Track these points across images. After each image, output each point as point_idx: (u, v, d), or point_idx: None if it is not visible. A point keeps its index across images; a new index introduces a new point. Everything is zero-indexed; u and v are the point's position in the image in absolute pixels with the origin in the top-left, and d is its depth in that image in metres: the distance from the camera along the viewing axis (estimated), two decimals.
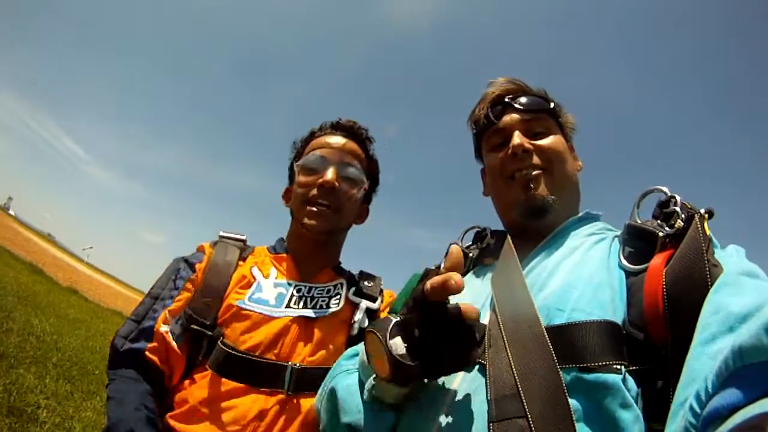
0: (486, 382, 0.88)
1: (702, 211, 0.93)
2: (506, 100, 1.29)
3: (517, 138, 1.23)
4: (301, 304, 1.50)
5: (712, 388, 0.58)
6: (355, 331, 1.48)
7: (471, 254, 1.33)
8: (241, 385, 1.33)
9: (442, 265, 0.92)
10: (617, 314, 0.88)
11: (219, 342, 1.38)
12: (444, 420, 0.89)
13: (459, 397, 0.91)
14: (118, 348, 1.45)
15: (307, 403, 1.34)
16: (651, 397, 0.79)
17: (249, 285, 1.52)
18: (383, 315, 1.55)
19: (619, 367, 0.81)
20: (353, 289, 1.59)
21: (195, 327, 1.40)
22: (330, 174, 1.55)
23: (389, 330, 0.84)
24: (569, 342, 0.85)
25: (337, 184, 1.56)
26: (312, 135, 1.75)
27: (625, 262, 0.99)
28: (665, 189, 1.03)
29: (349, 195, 1.61)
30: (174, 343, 1.42)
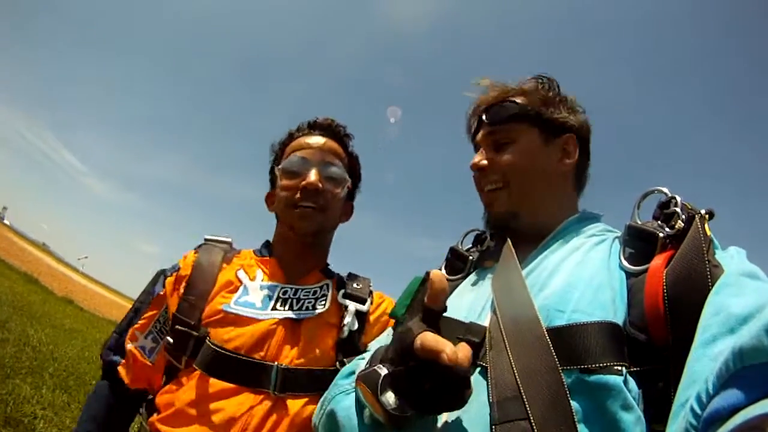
0: (487, 385, 0.88)
1: (702, 211, 0.93)
2: (480, 114, 1.31)
3: (476, 157, 1.27)
4: (287, 306, 1.49)
5: (713, 389, 0.58)
6: (344, 335, 1.46)
7: (471, 257, 1.33)
8: (228, 386, 1.32)
9: (426, 295, 0.93)
10: (618, 315, 0.88)
11: (206, 341, 1.38)
12: (446, 423, 0.89)
13: None
14: (103, 358, 1.58)
15: (294, 405, 1.33)
16: (652, 398, 0.79)
17: (235, 289, 1.51)
18: (373, 317, 1.57)
19: (620, 368, 0.80)
20: (342, 291, 1.58)
21: (180, 327, 1.41)
22: (313, 175, 1.53)
23: (380, 384, 0.84)
24: (570, 343, 0.85)
25: (320, 185, 1.54)
26: (291, 137, 1.72)
27: (625, 263, 0.99)
28: (665, 190, 1.03)
29: (333, 194, 1.59)
30: (145, 359, 1.50)
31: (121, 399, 1.54)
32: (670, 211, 0.98)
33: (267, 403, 1.31)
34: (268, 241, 1.73)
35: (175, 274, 1.58)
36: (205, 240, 1.69)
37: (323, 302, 1.52)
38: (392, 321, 1.37)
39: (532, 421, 0.78)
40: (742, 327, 0.65)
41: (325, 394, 1.16)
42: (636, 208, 1.07)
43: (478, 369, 0.94)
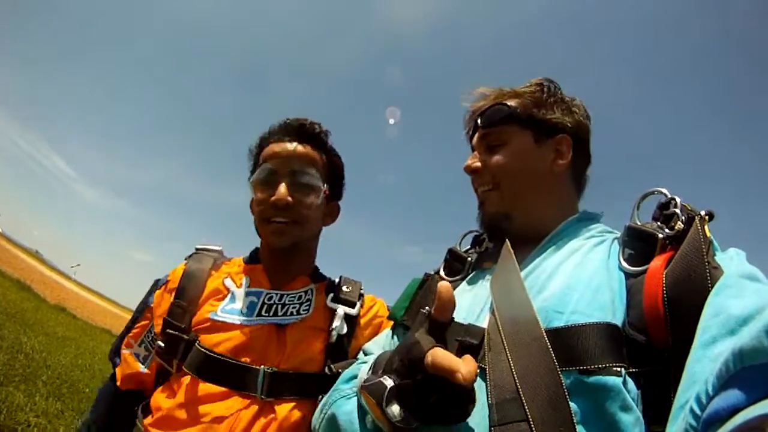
0: (486, 387, 0.88)
1: (702, 213, 0.93)
2: (474, 118, 1.33)
3: (469, 159, 1.29)
4: (272, 312, 1.48)
5: (713, 389, 0.58)
6: (333, 339, 1.46)
7: (469, 258, 1.33)
8: (217, 390, 1.33)
9: (433, 307, 0.94)
10: (617, 316, 0.88)
11: (196, 344, 1.40)
12: (447, 426, 0.88)
13: None
14: (110, 360, 1.65)
15: (282, 409, 1.33)
16: (651, 399, 0.79)
17: (222, 297, 1.51)
18: (364, 320, 1.57)
19: (619, 369, 0.80)
20: (331, 295, 1.57)
21: (170, 331, 1.43)
22: (281, 189, 1.49)
23: (385, 396, 0.84)
24: (569, 344, 0.85)
25: (290, 199, 1.49)
26: (262, 142, 1.66)
27: (624, 263, 0.98)
28: (665, 191, 1.03)
29: (306, 204, 1.53)
30: (139, 365, 1.54)
31: (120, 396, 1.58)
32: (669, 212, 0.98)
33: (254, 407, 1.31)
34: (257, 248, 1.71)
35: (164, 286, 1.60)
36: (196, 249, 1.70)
37: (307, 307, 1.52)
38: (390, 322, 1.37)
39: (531, 422, 0.78)
40: (742, 328, 0.64)
41: (325, 398, 1.16)
42: (635, 209, 1.07)
43: (477, 371, 0.91)
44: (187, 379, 1.37)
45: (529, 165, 1.24)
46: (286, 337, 1.44)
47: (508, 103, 1.27)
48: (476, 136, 1.31)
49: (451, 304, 0.91)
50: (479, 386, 0.90)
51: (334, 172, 1.67)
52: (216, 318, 1.44)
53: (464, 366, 0.76)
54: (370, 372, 0.97)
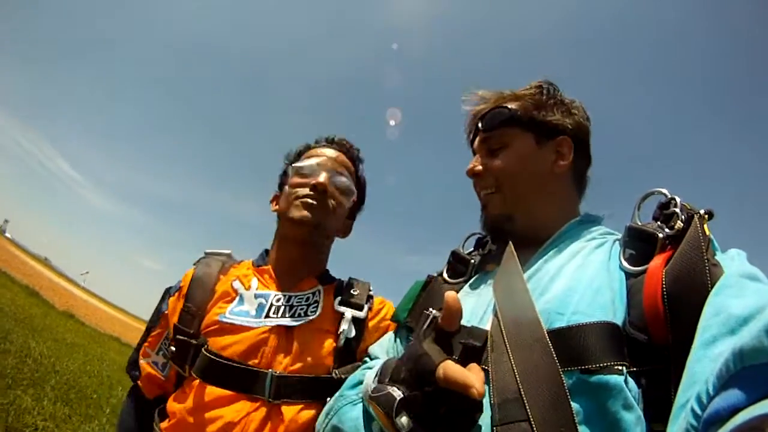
0: (489, 388, 0.88)
1: (702, 212, 0.94)
2: (475, 122, 1.34)
3: (471, 162, 1.30)
4: (280, 313, 1.50)
5: (713, 389, 0.58)
6: (341, 343, 1.47)
7: (473, 260, 1.34)
8: (225, 393, 1.35)
9: (440, 317, 0.94)
10: (617, 316, 0.89)
11: (203, 349, 1.42)
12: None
13: None
14: (128, 373, 1.66)
15: (289, 412, 1.34)
16: (652, 398, 0.80)
17: (231, 299, 1.54)
18: (372, 324, 1.57)
19: (620, 368, 0.81)
20: (339, 298, 1.59)
21: (180, 337, 1.46)
22: (323, 177, 1.60)
23: (395, 408, 0.84)
24: (570, 344, 0.86)
25: (328, 187, 1.60)
26: (308, 147, 1.80)
27: (625, 263, 1.00)
28: (665, 191, 1.04)
29: (338, 199, 1.65)
30: (158, 372, 1.58)
31: (144, 407, 1.59)
32: (669, 211, 0.99)
33: (263, 410, 1.33)
34: (266, 250, 1.76)
35: (177, 293, 1.62)
36: (205, 253, 1.75)
37: (315, 308, 1.54)
38: (394, 324, 1.38)
39: (533, 421, 0.78)
40: (742, 328, 0.65)
41: (330, 404, 1.17)
42: (636, 209, 1.08)
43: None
44: (197, 383, 1.39)
45: (531, 167, 1.25)
46: (293, 339, 1.45)
47: (509, 106, 1.28)
48: (477, 139, 1.32)
49: (458, 314, 0.91)
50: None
51: (358, 193, 1.78)
52: (224, 320, 1.46)
53: (479, 381, 0.77)
54: (376, 380, 0.97)
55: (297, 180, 1.64)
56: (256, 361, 1.39)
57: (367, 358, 1.34)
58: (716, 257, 0.86)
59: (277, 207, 1.74)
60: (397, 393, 0.85)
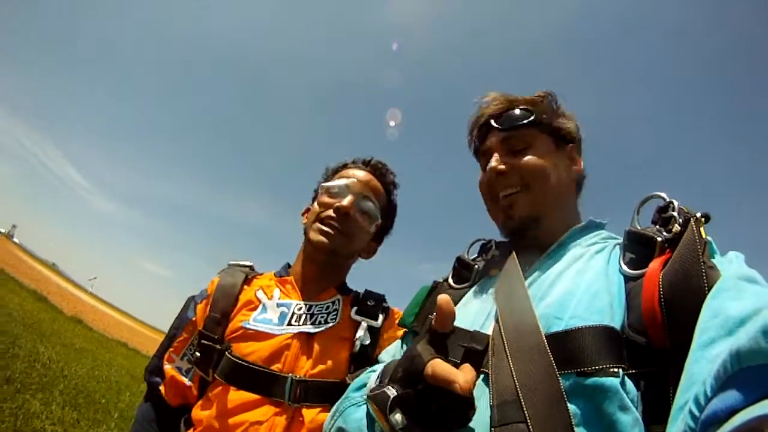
0: (489, 390, 0.90)
1: (698, 214, 0.94)
2: (489, 120, 1.32)
3: (493, 161, 1.26)
4: (302, 321, 1.56)
5: (711, 391, 0.58)
6: (356, 349, 1.52)
7: (477, 266, 1.34)
8: (249, 399, 1.39)
9: (433, 319, 0.94)
10: (615, 319, 0.89)
11: (227, 353, 1.47)
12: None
13: None
14: (146, 380, 1.68)
15: (309, 415, 1.38)
16: (651, 400, 0.80)
17: (255, 308, 1.59)
18: (387, 333, 1.60)
19: (616, 370, 0.81)
20: (355, 308, 1.64)
21: (205, 342, 1.51)
22: (347, 201, 1.63)
23: (389, 405, 0.86)
24: (567, 348, 0.87)
25: (351, 211, 1.63)
26: (344, 165, 1.84)
27: (625, 267, 1.00)
28: (663, 195, 1.04)
29: (360, 225, 1.68)
30: (182, 378, 1.60)
31: (164, 415, 1.62)
32: (667, 215, 0.99)
33: (284, 413, 1.37)
34: (288, 264, 1.82)
35: (204, 300, 1.67)
36: (229, 265, 1.82)
37: (334, 316, 1.60)
38: (401, 330, 1.40)
39: (530, 423, 0.80)
40: (739, 329, 0.64)
41: (336, 406, 1.18)
42: (635, 213, 1.08)
43: (482, 376, 0.95)
44: (220, 389, 1.44)
45: (554, 170, 1.26)
46: (314, 345, 1.51)
47: (530, 108, 1.29)
48: (494, 138, 1.30)
49: (450, 316, 0.91)
50: (482, 390, 0.92)
51: (387, 217, 1.83)
52: (248, 327, 1.52)
53: (462, 376, 0.78)
54: (377, 381, 0.99)
55: (324, 199, 1.69)
56: (279, 366, 1.44)
57: (376, 364, 1.35)
58: (713, 260, 0.86)
59: (305, 221, 1.79)
60: (392, 392, 0.87)
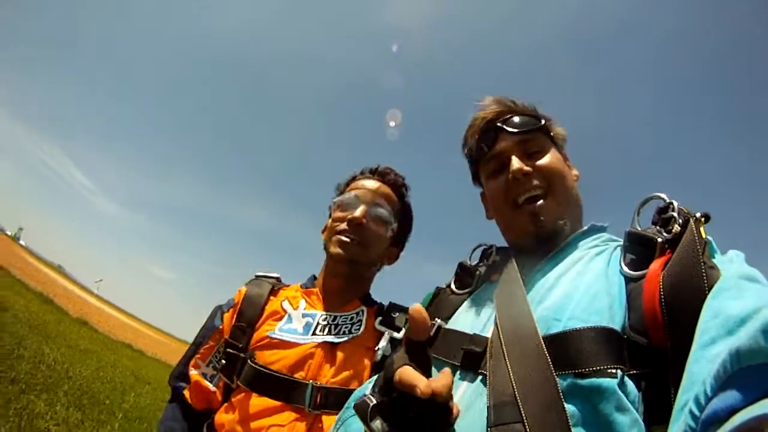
0: (486, 391, 0.91)
1: (698, 215, 0.94)
2: (498, 124, 1.30)
3: (516, 163, 1.23)
4: (326, 331, 1.60)
5: (711, 390, 0.58)
6: (377, 358, 1.52)
7: (478, 272, 1.35)
8: (270, 404, 1.43)
9: (408, 327, 0.95)
10: (615, 320, 0.89)
11: (249, 361, 1.52)
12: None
13: (461, 406, 0.92)
14: (171, 385, 1.73)
15: (329, 421, 1.40)
16: (652, 400, 0.80)
17: (280, 318, 1.64)
18: None
19: (614, 371, 0.81)
20: (380, 318, 1.62)
21: (230, 351, 1.58)
22: (358, 212, 1.68)
23: (368, 413, 0.86)
24: (565, 349, 0.87)
25: (364, 221, 1.68)
26: (353, 178, 1.89)
27: (625, 268, 1.00)
28: (663, 196, 1.04)
29: (376, 233, 1.73)
30: (207, 383, 1.64)
31: (189, 417, 1.66)
32: (667, 215, 0.99)
33: (304, 420, 1.40)
34: (314, 275, 1.86)
35: (231, 309, 1.72)
36: (256, 276, 1.87)
37: (358, 327, 1.64)
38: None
39: (527, 423, 0.80)
40: (740, 329, 0.63)
41: (339, 415, 1.19)
42: (636, 214, 1.09)
43: (480, 377, 0.97)
44: (243, 394, 1.48)
45: (568, 173, 1.27)
46: (337, 354, 1.55)
47: (536, 114, 1.31)
48: (508, 141, 1.28)
49: (424, 325, 0.91)
50: (480, 391, 0.94)
51: (403, 221, 1.87)
52: (274, 336, 1.57)
53: (423, 382, 0.77)
54: (372, 389, 0.99)
55: (338, 214, 1.75)
56: (303, 373, 1.48)
57: None
58: (714, 259, 0.86)
59: (324, 238, 1.83)
60: (372, 400, 0.88)
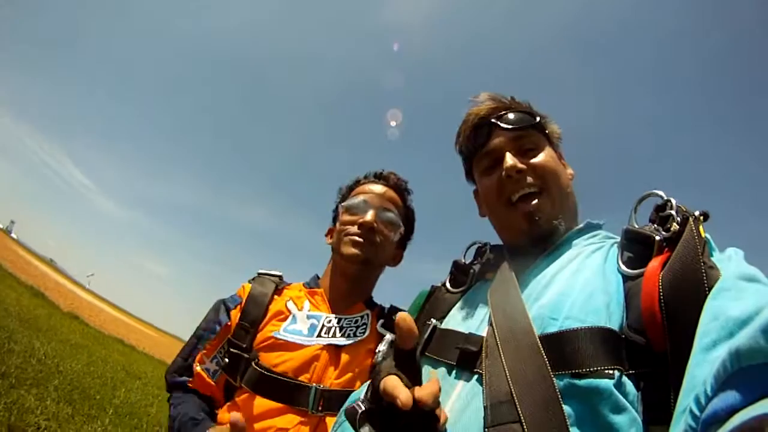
0: (483, 390, 0.90)
1: (697, 213, 0.93)
2: (492, 120, 1.29)
3: (510, 159, 1.21)
4: (331, 333, 1.62)
5: (711, 391, 0.57)
6: (378, 359, 1.53)
7: (473, 270, 1.35)
8: (274, 406, 1.44)
9: (396, 335, 0.93)
10: (613, 320, 0.89)
11: (253, 363, 1.53)
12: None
13: (457, 405, 0.93)
14: (168, 381, 1.72)
15: (331, 423, 1.41)
16: (651, 400, 0.79)
17: (285, 318, 1.66)
18: None
19: (611, 371, 0.81)
20: (381, 321, 1.69)
21: (234, 351, 1.58)
22: (370, 215, 1.72)
23: (357, 420, 0.87)
24: (562, 349, 0.86)
25: (375, 224, 1.72)
26: (357, 182, 1.94)
27: (623, 267, 0.99)
28: (661, 193, 1.03)
29: (385, 235, 1.77)
30: (209, 379, 1.66)
31: (204, 399, 1.68)
32: (665, 213, 0.98)
33: (308, 422, 1.42)
34: (317, 275, 1.89)
35: (237, 306, 1.73)
36: (258, 274, 1.89)
37: (363, 330, 1.66)
38: None
39: (524, 423, 0.79)
40: (741, 330, 0.62)
41: (336, 419, 1.20)
42: (633, 212, 1.08)
43: (476, 377, 0.96)
44: (247, 395, 1.49)
45: (563, 172, 1.27)
46: (341, 357, 1.56)
47: (531, 111, 1.30)
48: (502, 138, 1.27)
49: (410, 333, 0.90)
50: (476, 390, 0.93)
51: (407, 224, 1.90)
52: (279, 336, 1.58)
53: (405, 393, 0.77)
54: (365, 393, 0.99)
55: (347, 218, 1.77)
56: (308, 376, 1.49)
57: None
58: (713, 258, 0.86)
59: (331, 241, 1.87)
60: (361, 407, 0.89)
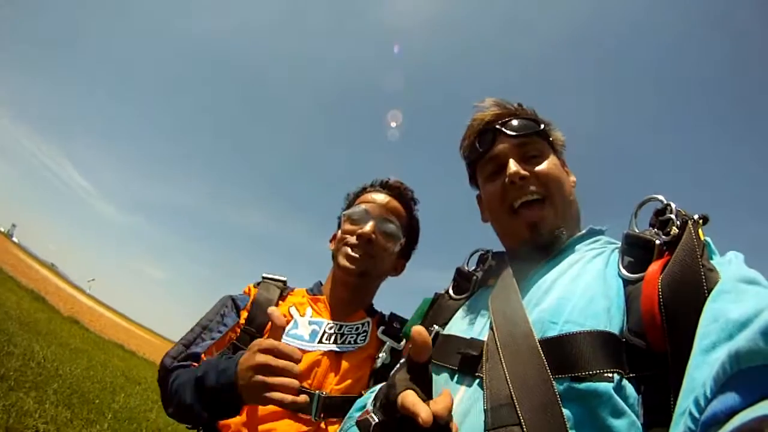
0: (483, 394, 0.91)
1: (696, 216, 0.94)
2: (496, 126, 1.29)
3: (513, 166, 1.22)
4: (332, 340, 1.64)
5: (710, 392, 0.57)
6: (377, 365, 1.56)
7: (476, 277, 1.35)
8: (276, 411, 1.44)
9: (410, 350, 0.93)
10: (613, 324, 0.89)
11: None
12: None
13: (458, 409, 0.93)
14: (167, 366, 1.62)
15: (333, 429, 1.44)
16: (651, 403, 0.79)
17: (287, 323, 1.65)
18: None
19: (610, 375, 0.81)
20: (382, 328, 1.69)
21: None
22: (368, 227, 1.72)
23: (371, 430, 0.87)
24: (562, 353, 0.87)
25: (373, 236, 1.72)
26: (363, 190, 1.94)
27: (624, 271, 1.00)
28: (661, 197, 1.04)
29: (384, 247, 1.76)
30: None
31: None
32: (665, 218, 0.99)
33: (310, 427, 1.43)
34: (320, 282, 1.90)
35: (245, 308, 1.75)
36: (263, 278, 1.89)
37: (364, 337, 1.68)
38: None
39: (524, 426, 0.80)
40: (740, 332, 0.62)
41: (341, 425, 1.21)
42: (633, 216, 1.08)
43: (477, 380, 0.97)
44: None
45: (566, 179, 1.27)
46: (342, 363, 1.58)
47: (535, 118, 1.31)
48: (506, 144, 1.27)
49: (425, 346, 0.90)
50: (477, 394, 0.94)
51: (411, 234, 1.90)
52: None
53: (425, 411, 0.77)
54: (371, 403, 0.99)
55: (347, 227, 1.78)
56: (309, 381, 1.51)
57: None
58: (713, 261, 0.86)
59: (332, 247, 1.87)
60: (374, 419, 0.89)
